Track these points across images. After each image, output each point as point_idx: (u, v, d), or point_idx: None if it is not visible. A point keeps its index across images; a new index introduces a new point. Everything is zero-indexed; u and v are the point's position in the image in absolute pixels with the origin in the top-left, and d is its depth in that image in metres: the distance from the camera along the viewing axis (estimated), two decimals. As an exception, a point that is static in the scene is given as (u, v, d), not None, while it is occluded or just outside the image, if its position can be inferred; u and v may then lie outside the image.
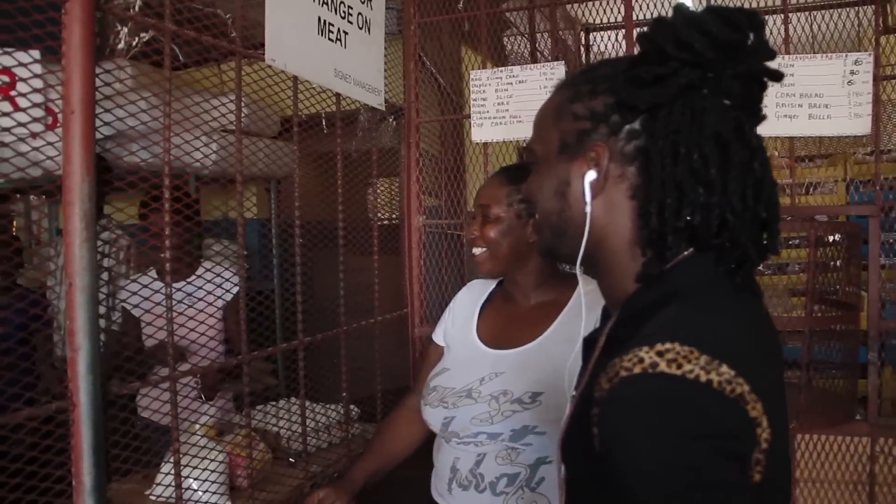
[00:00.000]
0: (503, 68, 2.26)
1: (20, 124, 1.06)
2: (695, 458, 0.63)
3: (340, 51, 1.89)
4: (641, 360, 0.67)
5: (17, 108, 1.02)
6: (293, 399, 2.09)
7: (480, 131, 2.29)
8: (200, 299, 2.21)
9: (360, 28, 2.00)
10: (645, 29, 0.78)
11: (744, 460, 0.66)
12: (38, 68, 1.08)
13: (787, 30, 2.06)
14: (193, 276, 2.31)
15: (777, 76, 0.75)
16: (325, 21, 1.81)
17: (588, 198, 0.80)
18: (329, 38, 1.84)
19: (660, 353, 0.66)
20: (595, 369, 0.78)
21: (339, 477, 1.94)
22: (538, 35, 3.80)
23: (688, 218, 0.73)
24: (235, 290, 2.24)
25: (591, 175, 0.80)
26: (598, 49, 3.88)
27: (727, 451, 0.64)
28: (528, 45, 3.69)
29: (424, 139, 2.57)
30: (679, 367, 0.65)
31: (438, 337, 1.61)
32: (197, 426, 1.72)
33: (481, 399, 1.38)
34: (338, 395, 2.12)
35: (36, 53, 1.07)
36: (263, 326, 3.69)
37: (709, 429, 0.64)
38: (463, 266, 2.88)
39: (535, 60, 3.53)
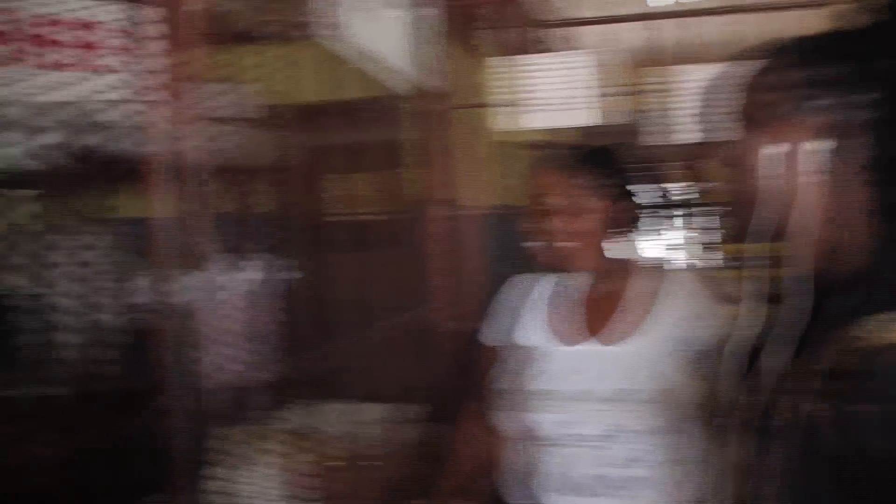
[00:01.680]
0: (548, 54, 2.21)
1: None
2: None
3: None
4: None
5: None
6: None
7: (525, 118, 2.23)
8: None
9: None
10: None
11: None
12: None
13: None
14: None
15: None
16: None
17: (780, 170, 0.78)
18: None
19: None
20: (811, 345, 0.74)
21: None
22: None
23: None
24: None
25: (782, 147, 0.78)
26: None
27: None
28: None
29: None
30: None
31: (498, 338, 1.52)
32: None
33: (598, 399, 1.31)
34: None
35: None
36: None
37: None
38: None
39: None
